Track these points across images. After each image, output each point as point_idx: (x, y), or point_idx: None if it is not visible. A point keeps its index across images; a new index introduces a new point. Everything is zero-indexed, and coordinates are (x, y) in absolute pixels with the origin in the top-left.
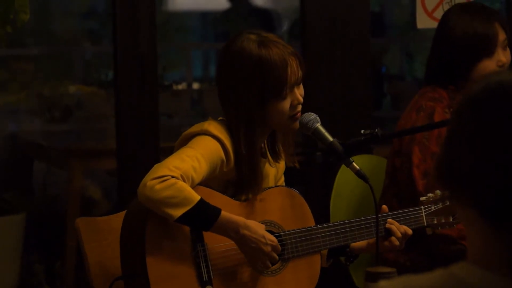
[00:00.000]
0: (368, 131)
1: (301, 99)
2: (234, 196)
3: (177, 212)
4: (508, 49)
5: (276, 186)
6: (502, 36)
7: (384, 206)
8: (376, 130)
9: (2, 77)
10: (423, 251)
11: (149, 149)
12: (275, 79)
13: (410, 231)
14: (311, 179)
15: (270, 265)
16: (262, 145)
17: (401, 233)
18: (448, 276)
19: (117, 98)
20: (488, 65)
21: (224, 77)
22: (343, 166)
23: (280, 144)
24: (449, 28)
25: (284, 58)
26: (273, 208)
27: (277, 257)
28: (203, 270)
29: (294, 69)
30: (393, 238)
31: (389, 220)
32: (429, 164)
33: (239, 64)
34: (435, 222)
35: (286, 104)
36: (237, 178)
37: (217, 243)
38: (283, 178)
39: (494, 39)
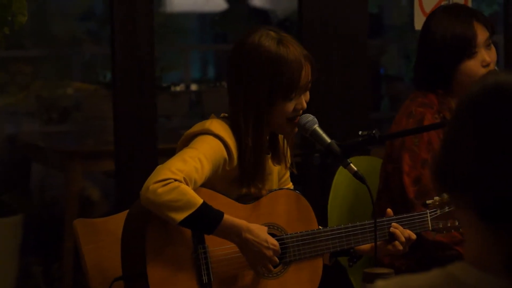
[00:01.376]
0: (365, 133)
1: (305, 105)
2: (236, 192)
3: (180, 216)
4: (493, 48)
5: (281, 189)
6: (482, 35)
7: (389, 210)
8: (373, 131)
9: (0, 78)
10: (418, 256)
11: (147, 150)
12: (288, 79)
13: (414, 236)
14: (309, 180)
15: (272, 268)
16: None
17: (405, 237)
18: (445, 276)
19: (115, 100)
20: (471, 65)
21: (238, 70)
22: (341, 168)
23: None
24: (430, 31)
25: (300, 60)
26: (277, 211)
27: (277, 260)
28: (203, 272)
29: (307, 73)
30: (396, 242)
31: (394, 224)
32: (420, 171)
33: (256, 58)
34: (441, 226)
35: (291, 106)
36: (240, 174)
37: (218, 246)
38: (288, 175)
39: (473, 39)
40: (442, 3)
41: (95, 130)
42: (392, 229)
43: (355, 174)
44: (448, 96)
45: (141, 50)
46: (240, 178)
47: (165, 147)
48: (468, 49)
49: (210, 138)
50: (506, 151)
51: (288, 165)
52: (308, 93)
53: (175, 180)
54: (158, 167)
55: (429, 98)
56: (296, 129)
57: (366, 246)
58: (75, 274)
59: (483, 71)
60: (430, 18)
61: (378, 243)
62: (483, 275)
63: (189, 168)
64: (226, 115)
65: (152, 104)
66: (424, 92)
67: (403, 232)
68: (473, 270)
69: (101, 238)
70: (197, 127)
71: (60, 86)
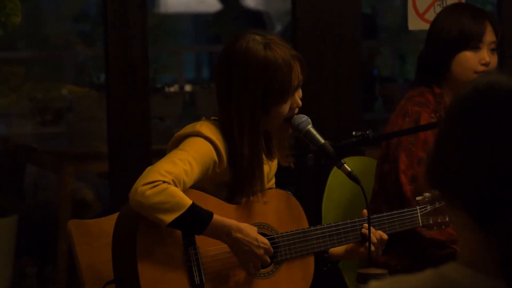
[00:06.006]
0: (359, 133)
1: (300, 103)
2: (230, 198)
3: (169, 218)
4: (495, 55)
5: (270, 189)
6: (490, 36)
7: (365, 211)
8: (367, 132)
9: None
10: (414, 254)
11: (141, 151)
12: (280, 82)
13: (385, 236)
14: (303, 181)
15: (261, 268)
16: None
17: (376, 238)
18: (438, 277)
19: (109, 101)
20: (469, 57)
21: (227, 77)
22: (335, 168)
23: (275, 145)
24: (437, 25)
25: (289, 61)
26: (267, 211)
27: (269, 260)
28: (195, 273)
29: (297, 73)
30: None
31: (365, 225)
32: (416, 169)
33: (244, 65)
34: (431, 222)
35: (286, 107)
36: (234, 179)
37: (209, 247)
38: (273, 180)
39: (480, 35)
40: (436, 4)
41: (89, 132)
42: (363, 230)
43: (349, 174)
44: (444, 95)
45: (134, 51)
46: (239, 188)
47: (158, 148)
48: (472, 42)
49: (200, 140)
50: (496, 152)
51: (282, 160)
52: (300, 90)
53: (164, 182)
54: (147, 169)
55: (425, 97)
56: (291, 130)
57: (340, 250)
58: (69, 275)
59: (480, 68)
60: (439, 14)
61: (351, 245)
62: (477, 275)
63: (178, 170)
64: (217, 118)
65: (146, 105)
66: (421, 91)
67: (374, 233)
68: (466, 270)
69: (95, 239)
70: (187, 129)
71: (53, 87)
